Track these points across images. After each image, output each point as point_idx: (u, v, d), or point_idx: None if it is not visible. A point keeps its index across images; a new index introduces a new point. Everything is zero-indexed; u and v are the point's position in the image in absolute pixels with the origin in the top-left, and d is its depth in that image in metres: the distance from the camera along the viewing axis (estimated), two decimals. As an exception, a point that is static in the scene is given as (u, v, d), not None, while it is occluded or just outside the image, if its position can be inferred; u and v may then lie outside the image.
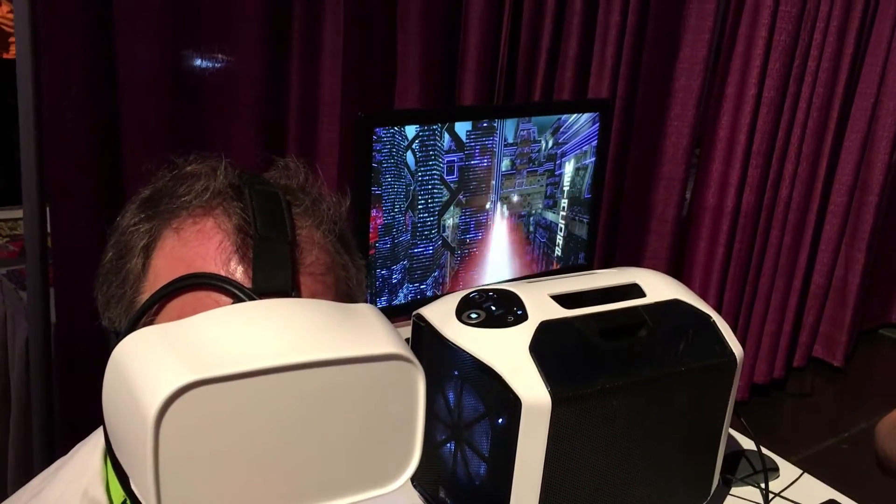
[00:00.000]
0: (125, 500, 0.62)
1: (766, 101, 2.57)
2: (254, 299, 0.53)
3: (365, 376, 0.52)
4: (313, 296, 0.57)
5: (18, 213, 1.84)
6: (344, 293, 0.61)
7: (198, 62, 1.65)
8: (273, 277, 0.55)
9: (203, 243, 0.57)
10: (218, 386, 0.47)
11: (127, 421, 0.50)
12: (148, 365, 0.49)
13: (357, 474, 0.54)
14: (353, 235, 0.66)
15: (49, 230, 1.47)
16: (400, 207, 1.44)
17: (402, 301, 1.51)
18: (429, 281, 1.54)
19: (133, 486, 0.51)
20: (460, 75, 2.00)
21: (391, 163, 1.39)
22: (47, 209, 1.46)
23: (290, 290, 0.55)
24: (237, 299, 0.54)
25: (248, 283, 0.55)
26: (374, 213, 1.40)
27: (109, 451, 0.58)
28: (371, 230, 1.41)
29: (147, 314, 0.56)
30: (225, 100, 1.67)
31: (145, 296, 0.57)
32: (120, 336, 0.52)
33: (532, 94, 2.14)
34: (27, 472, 1.60)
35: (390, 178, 1.40)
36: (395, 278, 1.48)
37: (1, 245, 1.95)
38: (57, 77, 1.44)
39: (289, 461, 0.51)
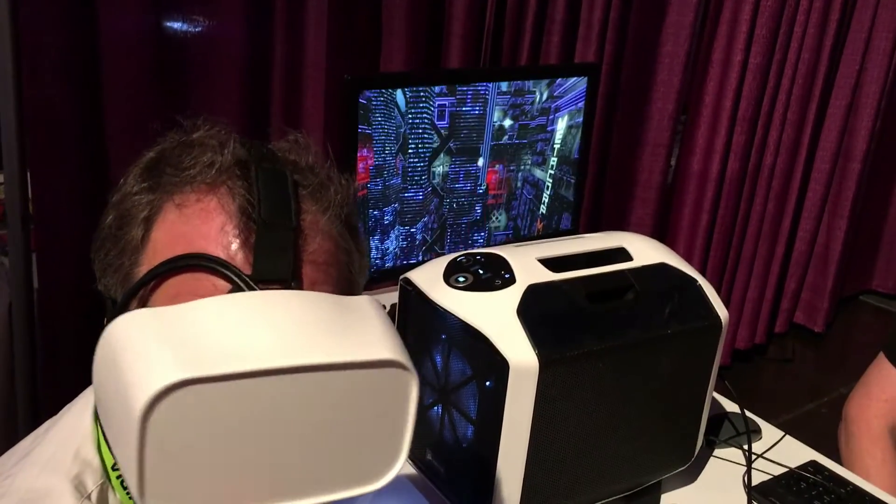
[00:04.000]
0: (116, 461, 0.62)
1: (752, 67, 2.57)
2: (252, 287, 0.53)
3: (359, 381, 0.52)
4: (314, 284, 0.57)
5: (-1, 178, 1.81)
6: (345, 280, 0.61)
7: (180, 25, 1.62)
8: (274, 265, 0.55)
9: (205, 223, 0.56)
10: (209, 385, 0.47)
11: (114, 407, 0.50)
12: (140, 354, 0.48)
13: (342, 473, 0.54)
14: (359, 218, 0.65)
15: (30, 195, 1.45)
16: (391, 150, 1.43)
17: (391, 265, 1.51)
18: (419, 225, 1.53)
19: (120, 471, 0.50)
20: (446, 39, 1.98)
21: (380, 101, 1.37)
22: (28, 173, 1.44)
23: (290, 278, 0.55)
24: (235, 286, 0.53)
25: (248, 270, 0.54)
26: (364, 153, 1.39)
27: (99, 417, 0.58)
28: (363, 171, 1.39)
29: (143, 289, 0.56)
30: (209, 63, 1.65)
31: (143, 268, 0.57)
32: (116, 307, 0.51)
33: (518, 58, 2.12)
34: (12, 437, 1.58)
35: (380, 117, 1.38)
36: (387, 220, 1.48)
37: (-19, 210, 1.92)
38: (36, 41, 1.41)
39: (276, 459, 0.51)
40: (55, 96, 1.46)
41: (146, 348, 0.48)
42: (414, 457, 1.17)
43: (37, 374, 1.53)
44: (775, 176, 2.86)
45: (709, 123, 2.61)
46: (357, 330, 0.53)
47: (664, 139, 2.45)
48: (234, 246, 0.55)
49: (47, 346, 1.55)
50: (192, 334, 0.49)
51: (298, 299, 0.53)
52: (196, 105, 1.64)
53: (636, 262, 1.14)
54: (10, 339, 1.56)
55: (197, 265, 0.55)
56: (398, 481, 1.18)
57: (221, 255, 0.55)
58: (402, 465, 0.56)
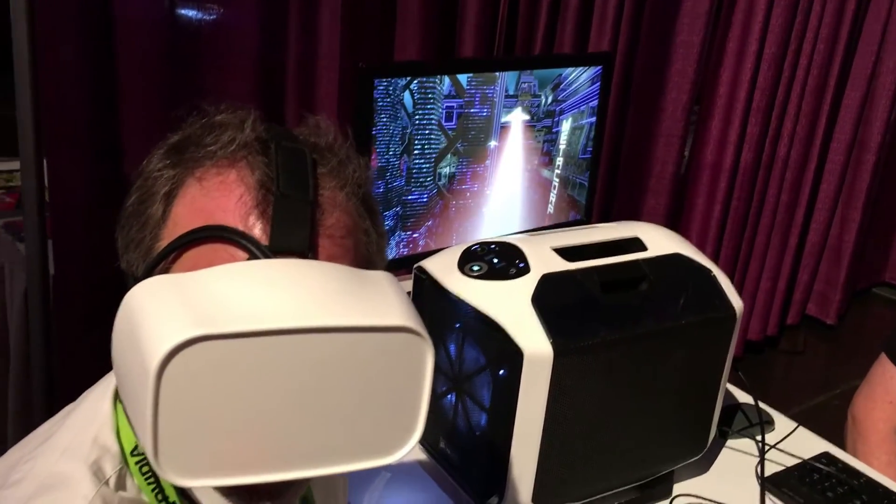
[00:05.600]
0: (136, 446, 0.62)
1: (767, 57, 2.55)
2: (269, 257, 0.53)
3: (373, 346, 0.52)
4: (331, 258, 0.57)
5: (15, 165, 1.82)
6: (363, 258, 0.61)
7: (195, 13, 1.62)
8: (291, 236, 0.55)
9: (224, 195, 0.57)
10: (223, 342, 0.47)
11: (131, 368, 0.50)
12: (155, 314, 0.49)
13: (357, 443, 0.54)
14: (376, 199, 0.65)
15: (46, 181, 1.46)
16: (395, 151, 1.41)
17: (394, 255, 1.50)
18: (422, 230, 1.51)
19: (135, 433, 0.51)
20: (460, 28, 1.97)
21: (387, 102, 1.36)
22: (44, 160, 1.44)
23: (306, 250, 0.55)
24: (252, 256, 0.54)
25: (265, 241, 0.55)
26: (368, 154, 1.38)
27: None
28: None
29: (164, 262, 0.56)
30: (223, 53, 1.65)
31: (163, 242, 0.57)
32: (136, 282, 0.52)
33: (532, 48, 2.11)
34: (27, 424, 1.60)
35: (386, 118, 1.37)
36: (388, 224, 1.46)
37: (-3, 197, 1.94)
38: (52, 29, 1.42)
39: (289, 424, 0.51)
40: (71, 85, 1.46)
41: (162, 309, 0.49)
42: (427, 444, 1.17)
43: (52, 361, 1.54)
44: (789, 167, 2.85)
45: (723, 114, 2.60)
46: (372, 298, 0.53)
47: (678, 129, 2.43)
48: (252, 217, 0.56)
49: (62, 332, 1.56)
50: (207, 296, 0.50)
51: (314, 267, 0.53)
52: (210, 93, 1.64)
53: (651, 252, 1.14)
54: (25, 326, 1.57)
55: (215, 236, 0.55)
56: (411, 468, 1.18)
57: (239, 225, 0.55)
58: (417, 440, 0.56)
